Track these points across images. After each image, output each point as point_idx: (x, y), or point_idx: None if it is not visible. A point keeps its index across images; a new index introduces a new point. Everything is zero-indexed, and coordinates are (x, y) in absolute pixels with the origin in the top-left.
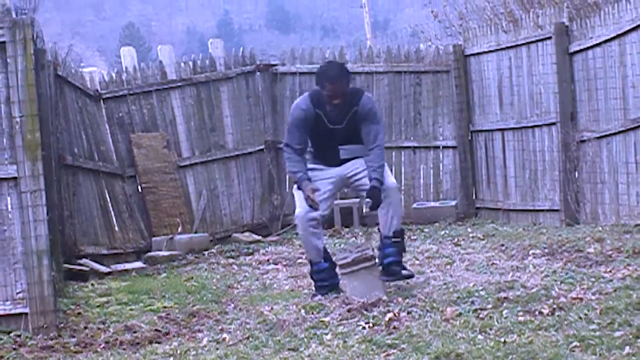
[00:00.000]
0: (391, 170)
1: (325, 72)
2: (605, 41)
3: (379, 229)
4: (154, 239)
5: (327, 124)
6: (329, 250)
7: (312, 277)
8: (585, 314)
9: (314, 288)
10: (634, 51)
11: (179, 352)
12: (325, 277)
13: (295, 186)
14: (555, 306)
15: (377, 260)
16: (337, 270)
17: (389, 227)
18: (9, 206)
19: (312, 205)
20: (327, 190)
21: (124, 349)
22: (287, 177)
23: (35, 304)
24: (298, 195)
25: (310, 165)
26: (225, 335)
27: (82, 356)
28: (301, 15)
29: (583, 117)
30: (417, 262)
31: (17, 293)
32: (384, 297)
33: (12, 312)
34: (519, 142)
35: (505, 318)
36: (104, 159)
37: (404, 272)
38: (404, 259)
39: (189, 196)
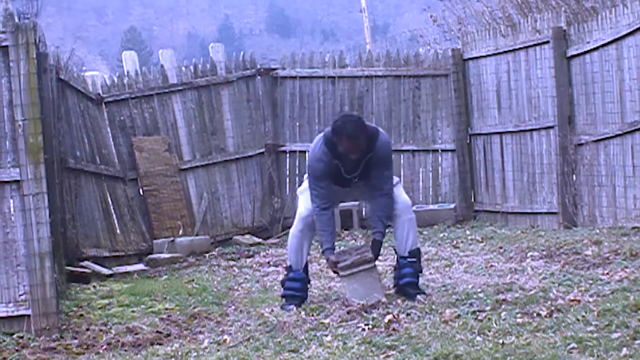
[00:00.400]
0: None
1: (343, 129)
2: (603, 45)
3: (394, 248)
4: (155, 241)
5: (343, 173)
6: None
7: (284, 285)
8: (583, 316)
9: (283, 298)
10: (631, 55)
11: (180, 353)
12: (299, 288)
13: (300, 188)
14: (553, 308)
15: (393, 279)
16: (339, 274)
17: (405, 247)
18: (12, 209)
19: (334, 271)
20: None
21: (125, 351)
22: (287, 180)
23: (37, 306)
24: (305, 197)
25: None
26: (226, 336)
27: (84, 357)
28: (301, 20)
29: (580, 120)
30: None
31: (20, 295)
32: (384, 299)
33: (15, 314)
34: (517, 146)
35: (504, 320)
36: (106, 162)
37: (418, 296)
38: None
39: (190, 199)
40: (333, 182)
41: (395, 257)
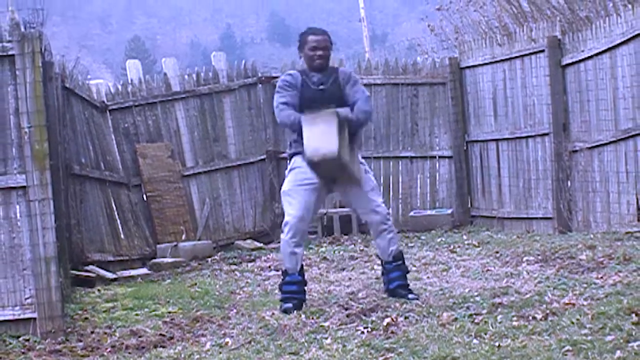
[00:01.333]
0: (389, 180)
1: (306, 30)
2: (597, 54)
3: (378, 255)
4: (158, 246)
5: (311, 86)
6: (329, 258)
7: (281, 289)
8: (578, 319)
9: (282, 302)
10: (625, 64)
11: (183, 356)
12: (296, 291)
13: (283, 188)
14: (548, 311)
15: (382, 284)
16: (302, 120)
17: (389, 253)
18: (18, 214)
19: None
20: (312, 202)
21: (129, 353)
22: None
23: (43, 309)
24: (288, 201)
25: (294, 160)
26: (227, 339)
27: None
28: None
29: (575, 127)
30: (414, 268)
31: (26, 299)
32: (335, 149)
33: (21, 317)
34: (513, 152)
35: (500, 323)
36: (110, 169)
37: (410, 295)
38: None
39: (192, 204)
40: (302, 97)
41: (381, 262)
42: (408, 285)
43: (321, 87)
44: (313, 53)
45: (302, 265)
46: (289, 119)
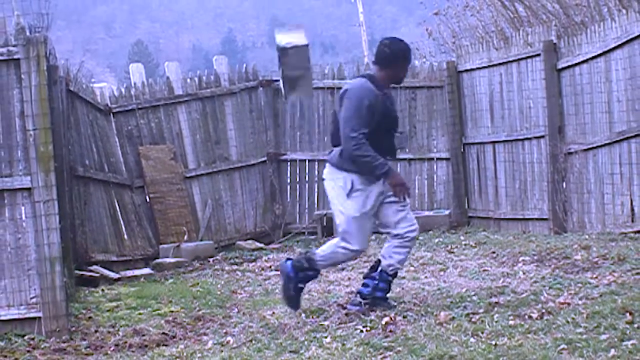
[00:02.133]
0: None
1: (406, 49)
2: (592, 58)
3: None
4: (161, 246)
5: (389, 107)
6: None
7: (298, 274)
8: (573, 318)
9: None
10: (619, 67)
11: (185, 354)
12: (312, 277)
13: (351, 215)
14: (544, 310)
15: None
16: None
17: (389, 264)
18: (23, 215)
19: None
20: (369, 228)
21: (132, 352)
22: (288, 187)
23: (48, 308)
24: (359, 227)
25: (357, 182)
26: (229, 338)
27: (92, 358)
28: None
29: (570, 130)
30: (412, 268)
31: (31, 298)
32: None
33: (26, 316)
34: (509, 154)
35: (496, 322)
36: (114, 170)
37: (387, 302)
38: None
39: (194, 206)
40: (382, 120)
41: (378, 260)
42: (387, 299)
43: (395, 109)
44: (397, 80)
45: None
46: (377, 162)
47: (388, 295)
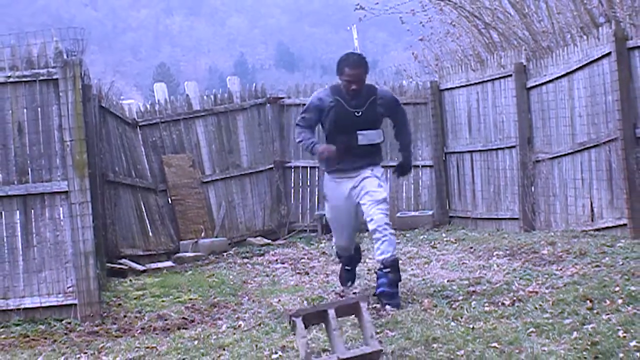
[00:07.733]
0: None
1: (345, 59)
2: (557, 78)
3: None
4: (181, 242)
5: (346, 107)
6: (327, 252)
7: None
8: (540, 305)
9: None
10: (581, 86)
11: (202, 336)
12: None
13: (328, 216)
14: (515, 298)
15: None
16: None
17: (379, 260)
18: (61, 215)
19: (330, 157)
20: (349, 225)
21: (156, 334)
22: (292, 191)
23: (83, 296)
24: (333, 228)
25: (327, 178)
26: (240, 322)
27: (122, 340)
28: (304, 56)
29: (538, 141)
30: (401, 262)
31: (68, 287)
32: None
33: (64, 303)
34: (485, 162)
35: (474, 308)
36: (140, 176)
37: (387, 306)
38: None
39: (210, 207)
40: (334, 118)
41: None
42: (394, 293)
43: (357, 111)
44: (348, 85)
45: (358, 246)
46: (307, 142)
47: (393, 290)
